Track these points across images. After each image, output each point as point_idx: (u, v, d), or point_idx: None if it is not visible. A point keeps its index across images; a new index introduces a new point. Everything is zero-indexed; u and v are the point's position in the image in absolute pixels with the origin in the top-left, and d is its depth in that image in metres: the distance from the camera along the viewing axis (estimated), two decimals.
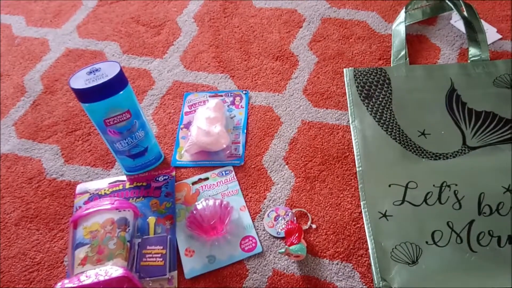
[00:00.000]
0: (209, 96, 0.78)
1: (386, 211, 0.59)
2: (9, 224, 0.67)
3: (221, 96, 0.77)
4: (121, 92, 0.57)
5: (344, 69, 0.76)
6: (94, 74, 0.55)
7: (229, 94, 0.78)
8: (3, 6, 1.02)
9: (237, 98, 0.77)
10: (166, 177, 0.68)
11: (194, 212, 0.61)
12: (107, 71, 0.55)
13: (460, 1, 0.78)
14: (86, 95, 0.55)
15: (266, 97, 0.77)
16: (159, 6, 0.95)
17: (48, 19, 0.97)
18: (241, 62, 0.82)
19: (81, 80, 0.55)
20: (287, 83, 0.78)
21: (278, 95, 0.77)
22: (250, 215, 0.63)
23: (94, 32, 0.92)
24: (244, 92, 0.78)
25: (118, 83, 0.56)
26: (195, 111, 0.75)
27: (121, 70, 0.55)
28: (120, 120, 0.59)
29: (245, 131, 0.73)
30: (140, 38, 0.89)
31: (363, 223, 0.60)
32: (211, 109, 0.72)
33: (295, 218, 0.62)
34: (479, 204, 0.59)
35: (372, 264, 0.56)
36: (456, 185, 0.61)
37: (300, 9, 0.90)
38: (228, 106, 0.76)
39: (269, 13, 0.90)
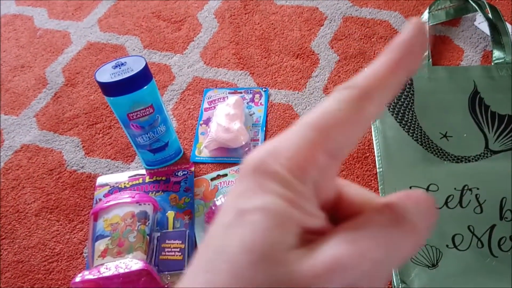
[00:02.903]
0: (229, 93, 0.78)
1: None
2: (29, 214, 0.67)
3: (241, 93, 0.78)
4: (146, 87, 0.57)
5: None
6: (120, 68, 0.55)
7: (249, 91, 0.78)
8: None
9: (257, 96, 0.77)
10: (185, 172, 0.68)
11: (214, 208, 0.61)
12: (133, 66, 0.55)
13: (485, 2, 0.77)
14: (111, 88, 0.56)
15: (286, 95, 0.77)
16: (180, 1, 0.95)
17: (69, 12, 0.98)
18: (261, 59, 0.82)
19: (107, 73, 0.55)
20: (307, 81, 0.78)
21: (298, 93, 0.76)
22: None
23: (115, 26, 0.93)
24: (263, 89, 0.78)
25: (143, 78, 0.56)
26: (214, 107, 0.75)
27: (146, 65, 0.56)
28: (143, 114, 0.59)
29: (264, 128, 0.73)
30: (161, 33, 0.90)
31: None
32: (231, 106, 0.72)
33: None
34: (501, 208, 0.59)
35: None
36: (477, 189, 0.60)
37: (322, 7, 0.89)
38: (247, 103, 0.76)
39: (290, 10, 0.90)
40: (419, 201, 0.18)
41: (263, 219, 0.16)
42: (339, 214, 0.19)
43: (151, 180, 0.68)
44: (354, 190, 0.20)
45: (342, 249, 0.16)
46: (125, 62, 0.56)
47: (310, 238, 0.17)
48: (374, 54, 0.79)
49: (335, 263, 0.16)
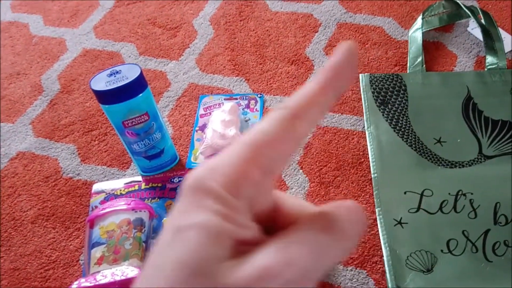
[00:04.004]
0: (224, 99, 0.78)
1: (401, 218, 0.59)
2: (25, 222, 0.67)
3: (236, 99, 0.78)
4: (141, 95, 0.57)
5: (360, 75, 0.76)
6: (115, 76, 0.56)
7: (244, 97, 0.78)
8: (21, 5, 1.03)
9: (252, 102, 0.77)
10: (181, 178, 0.68)
11: None
12: (128, 74, 0.56)
13: (478, 8, 0.78)
14: (106, 97, 0.56)
15: (281, 100, 0.77)
16: (175, 8, 0.96)
17: (65, 19, 0.98)
18: (256, 66, 0.83)
19: (102, 82, 0.55)
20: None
21: None
22: None
23: (110, 33, 0.93)
24: (259, 95, 0.78)
25: (138, 85, 0.57)
26: (210, 113, 0.76)
27: (141, 73, 0.56)
28: (138, 122, 0.60)
29: None
30: (157, 40, 0.90)
31: (378, 230, 0.60)
32: (226, 112, 0.72)
33: None
34: (495, 213, 0.59)
35: (387, 271, 0.56)
36: (472, 194, 0.61)
37: (316, 13, 0.90)
38: (243, 109, 0.76)
39: (285, 17, 0.90)
40: (350, 210, 0.19)
41: (197, 235, 0.17)
42: (277, 225, 0.20)
43: (147, 186, 0.68)
44: (290, 201, 0.21)
45: (271, 257, 0.17)
46: (120, 70, 0.56)
47: (245, 249, 0.18)
48: (368, 60, 0.80)
49: (264, 272, 0.16)
